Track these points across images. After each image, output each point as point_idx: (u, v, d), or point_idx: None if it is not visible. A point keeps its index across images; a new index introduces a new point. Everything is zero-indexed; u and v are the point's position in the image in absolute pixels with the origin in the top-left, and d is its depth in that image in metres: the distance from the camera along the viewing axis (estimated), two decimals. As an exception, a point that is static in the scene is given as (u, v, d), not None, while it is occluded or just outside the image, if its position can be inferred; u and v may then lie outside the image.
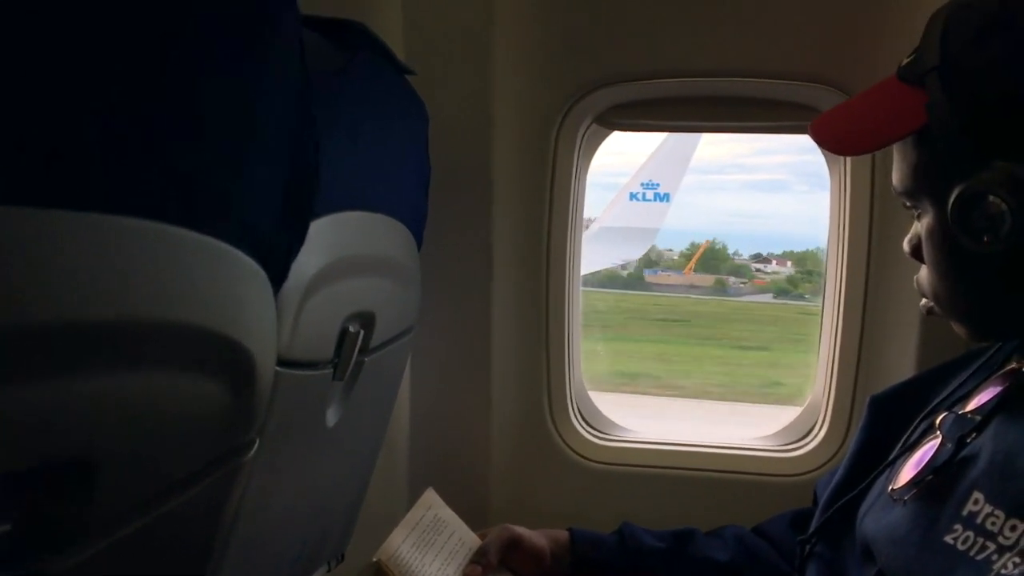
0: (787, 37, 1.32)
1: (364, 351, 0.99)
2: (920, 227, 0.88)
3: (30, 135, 0.38)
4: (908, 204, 0.90)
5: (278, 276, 0.64)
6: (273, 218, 0.62)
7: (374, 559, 1.02)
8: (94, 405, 0.44)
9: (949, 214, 0.79)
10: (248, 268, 0.58)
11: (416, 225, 1.15)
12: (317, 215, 0.75)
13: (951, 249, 0.83)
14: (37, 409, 0.40)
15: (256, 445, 0.68)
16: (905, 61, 0.86)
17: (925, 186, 0.85)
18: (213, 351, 0.54)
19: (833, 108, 0.95)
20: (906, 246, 0.92)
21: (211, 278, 0.53)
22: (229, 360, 0.56)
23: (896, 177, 0.89)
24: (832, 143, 0.97)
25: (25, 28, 0.37)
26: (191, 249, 0.50)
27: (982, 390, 0.90)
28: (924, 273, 0.90)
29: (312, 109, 0.66)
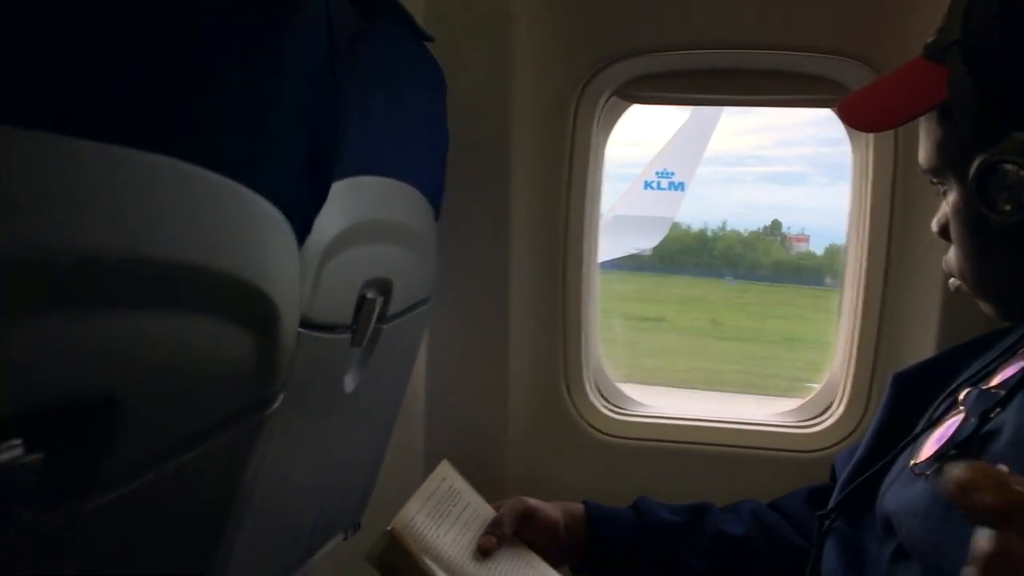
0: (812, 8, 1.31)
1: (382, 319, 0.99)
2: (947, 205, 0.89)
3: (69, 66, 0.38)
4: (934, 181, 0.90)
5: (301, 231, 0.64)
6: (296, 172, 0.61)
7: (389, 528, 1.02)
8: (119, 342, 0.44)
9: (969, 186, 0.80)
10: (274, 218, 0.58)
11: (434, 194, 1.14)
12: (337, 177, 0.75)
13: (976, 225, 0.84)
14: (59, 343, 0.40)
15: (278, 401, 0.68)
16: (931, 39, 0.86)
17: (948, 162, 0.86)
18: (237, 297, 0.53)
19: (862, 88, 0.97)
20: (934, 226, 0.92)
21: (238, 224, 0.53)
22: (253, 308, 0.56)
23: (922, 155, 0.90)
24: (855, 120, 0.98)
25: None
26: (219, 192, 0.50)
27: (1006, 366, 0.90)
28: (952, 253, 0.90)
29: (334, 69, 0.66)
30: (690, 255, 8.07)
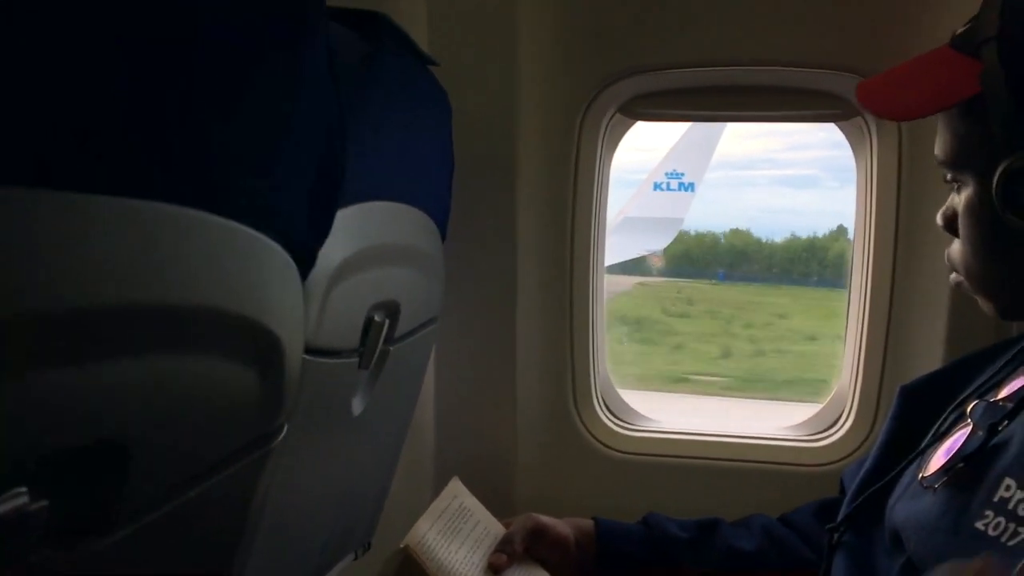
0: (814, 25, 1.31)
1: (389, 340, 0.99)
2: (958, 200, 0.87)
3: (64, 119, 0.39)
4: (948, 176, 0.89)
5: (305, 264, 0.65)
6: (300, 207, 0.62)
7: (402, 545, 1.03)
8: (126, 388, 0.44)
9: (993, 188, 0.79)
10: (276, 255, 0.59)
11: (440, 216, 1.15)
12: (343, 205, 0.76)
13: (990, 224, 0.83)
14: (70, 391, 0.41)
15: (284, 432, 0.69)
16: (960, 30, 0.84)
17: (969, 158, 0.84)
18: (241, 336, 0.54)
19: (882, 73, 0.94)
20: (939, 219, 0.91)
21: (239, 264, 0.54)
22: (257, 346, 0.57)
23: (940, 147, 0.88)
24: (879, 107, 0.95)
25: (63, 14, 0.38)
26: (220, 235, 0.51)
27: (1013, 378, 0.89)
28: (956, 247, 0.89)
29: (340, 101, 0.67)
30: (798, 264, 8.05)
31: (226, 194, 0.51)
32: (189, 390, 0.50)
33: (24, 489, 0.40)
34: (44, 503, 0.40)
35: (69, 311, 0.39)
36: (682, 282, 8.55)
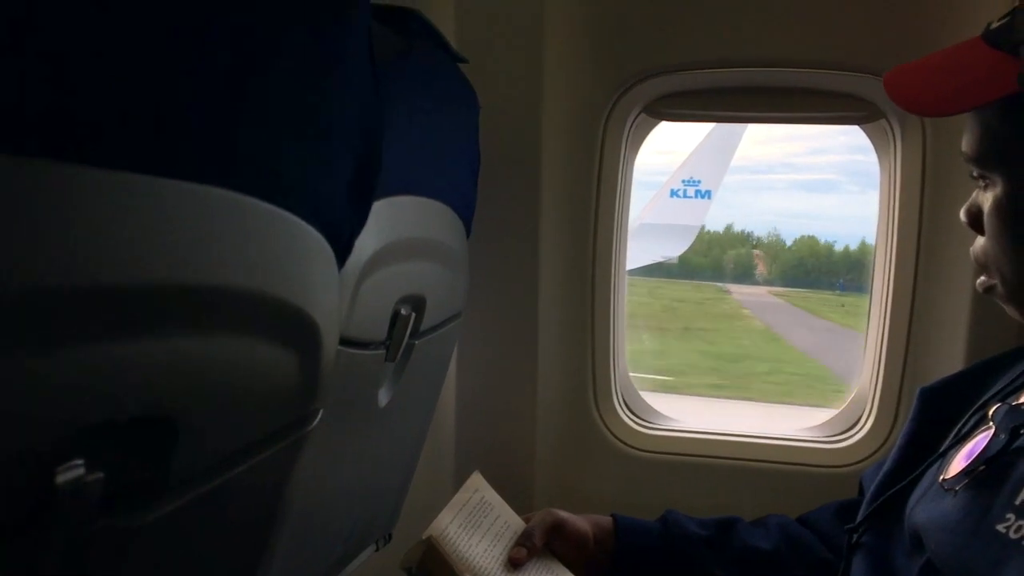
0: (839, 27, 1.32)
1: (415, 334, 1.01)
2: (984, 197, 0.86)
3: (115, 102, 0.40)
4: (976, 172, 0.87)
5: (342, 253, 0.66)
6: (341, 196, 0.64)
7: (425, 536, 1.04)
8: (172, 365, 0.46)
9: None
10: (317, 243, 0.60)
11: (466, 212, 1.16)
12: (376, 197, 0.77)
13: (1019, 224, 0.82)
14: (119, 366, 0.42)
15: (319, 417, 0.70)
16: (996, 24, 0.83)
17: (1001, 156, 0.83)
18: (282, 319, 0.55)
19: (909, 64, 0.91)
20: (963, 215, 0.90)
21: (283, 250, 0.55)
22: (296, 329, 0.58)
23: (969, 143, 0.86)
24: (909, 102, 0.91)
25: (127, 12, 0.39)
26: (265, 220, 0.52)
27: None
28: (981, 245, 0.88)
29: (379, 94, 0.68)
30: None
31: (270, 180, 0.52)
32: (231, 369, 0.52)
33: (81, 461, 0.41)
34: (100, 474, 0.42)
35: (120, 288, 0.40)
36: (809, 292, 8.35)
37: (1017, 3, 0.81)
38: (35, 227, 0.35)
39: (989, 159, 0.85)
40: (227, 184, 0.47)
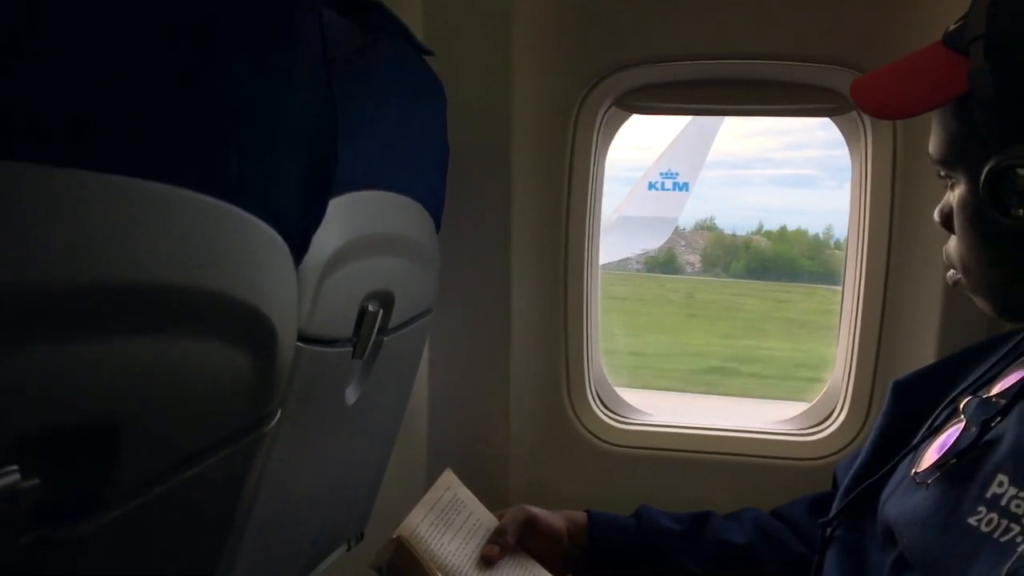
0: (809, 18, 1.31)
1: (383, 330, 0.99)
2: (952, 197, 0.87)
3: (62, 96, 0.39)
4: (942, 173, 0.89)
5: (298, 250, 0.65)
6: (293, 190, 0.62)
7: (395, 535, 1.03)
8: (116, 367, 0.44)
9: (981, 186, 0.79)
10: (269, 238, 0.59)
11: (434, 207, 1.15)
12: (336, 193, 0.76)
13: (982, 222, 0.83)
14: (60, 369, 0.40)
15: (277, 418, 0.69)
16: (952, 27, 0.84)
17: (960, 156, 0.84)
18: (233, 318, 0.54)
19: (876, 71, 0.93)
20: (936, 215, 0.91)
21: (232, 246, 0.54)
22: (249, 328, 0.57)
23: (933, 145, 0.88)
24: (871, 106, 0.95)
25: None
26: (213, 216, 0.51)
27: (1007, 374, 0.89)
28: (953, 244, 0.89)
29: (333, 88, 0.67)
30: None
31: (217, 175, 0.51)
32: (180, 371, 0.50)
33: (15, 467, 0.40)
34: (35, 481, 0.40)
35: (58, 287, 0.39)
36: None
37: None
38: None
39: (951, 159, 0.86)
40: (171, 180, 0.45)
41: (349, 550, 1.19)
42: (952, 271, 0.90)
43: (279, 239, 0.60)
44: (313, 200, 0.66)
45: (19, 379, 0.39)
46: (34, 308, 0.38)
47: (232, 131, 0.52)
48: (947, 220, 0.89)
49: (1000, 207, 0.78)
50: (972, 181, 0.82)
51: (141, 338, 0.46)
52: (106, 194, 0.42)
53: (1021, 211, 0.77)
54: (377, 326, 0.95)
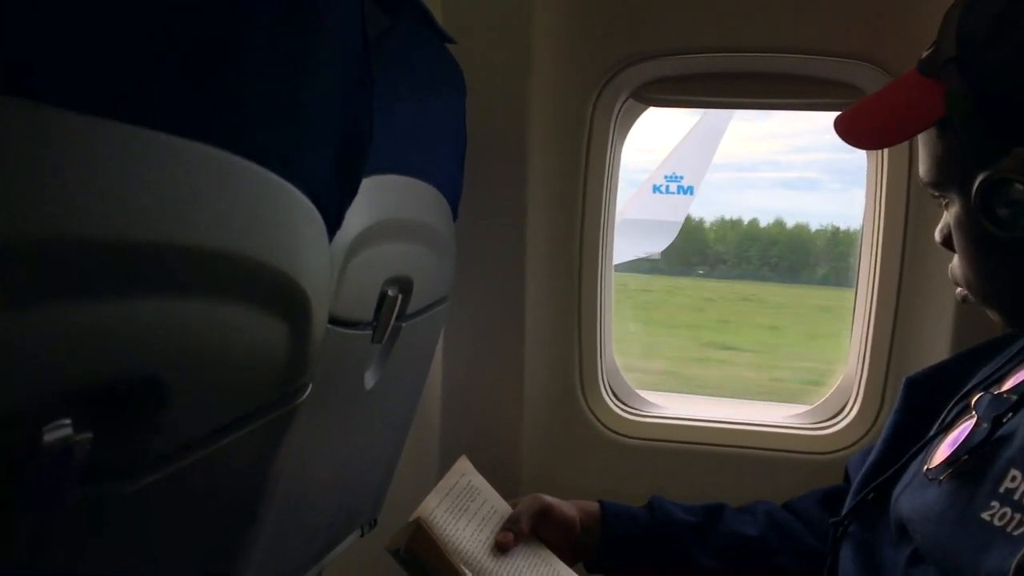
0: (828, 12, 1.32)
1: (401, 316, 0.99)
2: (949, 216, 0.89)
3: (108, 47, 0.39)
4: (935, 195, 0.91)
5: (332, 224, 0.65)
6: (327, 163, 0.62)
7: (413, 518, 1.03)
8: (158, 327, 0.44)
9: (973, 202, 0.80)
10: (307, 209, 0.59)
11: (452, 194, 1.15)
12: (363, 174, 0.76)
13: (978, 237, 0.84)
14: (105, 325, 0.40)
15: (307, 393, 0.69)
16: (925, 54, 0.87)
17: (949, 176, 0.86)
18: (270, 286, 0.54)
19: (856, 104, 0.96)
20: (937, 236, 0.93)
21: (274, 215, 0.54)
22: (286, 297, 0.57)
23: (922, 169, 0.90)
24: (855, 138, 0.97)
25: None
26: (254, 181, 0.51)
27: (1018, 370, 0.90)
28: (956, 262, 0.91)
29: (369, 67, 0.67)
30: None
31: (259, 142, 0.51)
32: (219, 335, 0.50)
33: (68, 421, 0.40)
34: (88, 435, 0.40)
35: (110, 242, 0.39)
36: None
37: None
38: (2, 173, 0.34)
39: (942, 181, 0.88)
40: (209, 138, 0.45)
41: (363, 535, 1.19)
42: (959, 288, 0.92)
43: (315, 212, 0.60)
44: (347, 176, 0.66)
45: (63, 333, 0.39)
46: (71, 265, 0.38)
47: (274, 99, 0.53)
48: (947, 240, 0.91)
49: (994, 220, 0.79)
50: (964, 198, 0.84)
51: (179, 300, 0.46)
52: (145, 149, 0.41)
53: (1012, 222, 0.78)
54: (396, 311, 0.95)
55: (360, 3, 0.62)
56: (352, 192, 0.67)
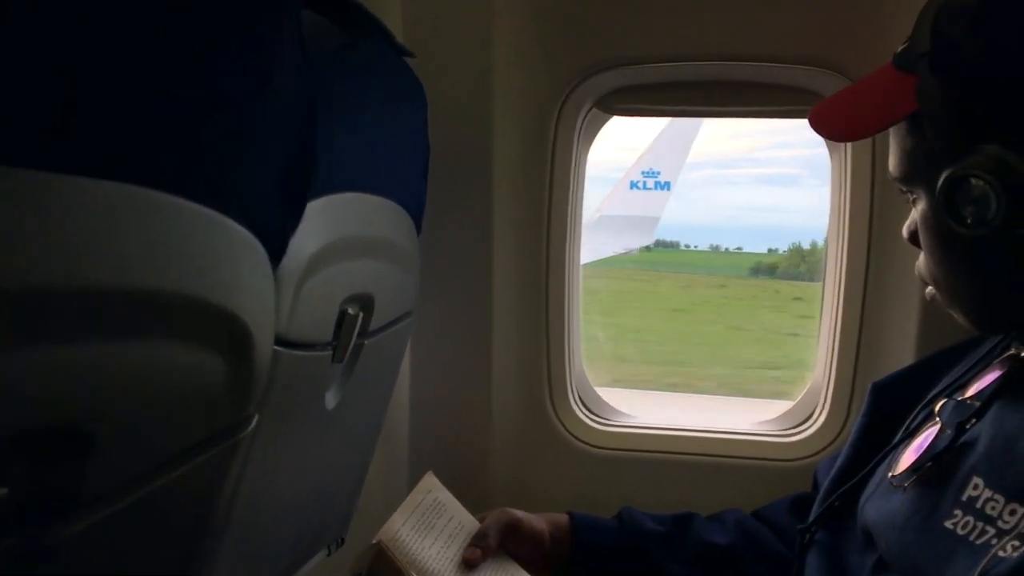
0: (789, 21, 1.32)
1: (363, 334, 0.99)
2: (916, 213, 0.89)
3: (40, 100, 0.38)
4: (903, 190, 0.90)
5: (276, 253, 0.64)
6: (270, 192, 0.61)
7: (374, 540, 1.02)
8: (90, 372, 0.44)
9: (937, 198, 0.80)
10: (245, 241, 0.58)
11: (415, 209, 1.14)
12: (315, 196, 0.75)
13: (944, 234, 0.84)
14: (33, 373, 0.40)
15: (254, 422, 0.68)
16: (900, 48, 0.87)
17: (917, 172, 0.86)
18: (209, 322, 0.53)
19: (832, 96, 0.96)
20: (905, 232, 0.93)
21: (208, 249, 0.53)
22: (225, 332, 0.56)
23: (891, 163, 0.90)
24: (828, 130, 0.98)
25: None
26: (188, 219, 0.50)
27: (981, 376, 0.90)
28: (923, 260, 0.90)
29: (312, 89, 0.66)
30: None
31: (191, 177, 0.50)
32: (154, 376, 0.49)
33: None
34: (4, 490, 0.39)
35: (30, 290, 0.38)
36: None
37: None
38: None
39: (910, 176, 0.87)
40: (145, 182, 0.45)
41: (330, 554, 1.18)
42: (929, 288, 0.91)
43: (256, 242, 0.59)
44: (290, 202, 0.65)
45: None
46: (7, 311, 0.37)
47: (207, 132, 0.52)
48: (914, 237, 0.90)
49: (957, 218, 0.79)
50: (930, 195, 0.84)
51: (115, 342, 0.45)
52: (80, 197, 0.41)
53: (977, 220, 0.78)
54: (357, 329, 0.95)
55: (299, 29, 0.61)
56: (296, 219, 0.67)
